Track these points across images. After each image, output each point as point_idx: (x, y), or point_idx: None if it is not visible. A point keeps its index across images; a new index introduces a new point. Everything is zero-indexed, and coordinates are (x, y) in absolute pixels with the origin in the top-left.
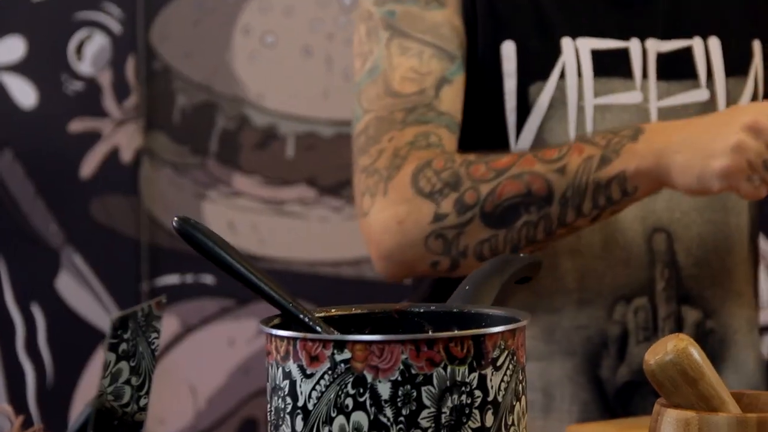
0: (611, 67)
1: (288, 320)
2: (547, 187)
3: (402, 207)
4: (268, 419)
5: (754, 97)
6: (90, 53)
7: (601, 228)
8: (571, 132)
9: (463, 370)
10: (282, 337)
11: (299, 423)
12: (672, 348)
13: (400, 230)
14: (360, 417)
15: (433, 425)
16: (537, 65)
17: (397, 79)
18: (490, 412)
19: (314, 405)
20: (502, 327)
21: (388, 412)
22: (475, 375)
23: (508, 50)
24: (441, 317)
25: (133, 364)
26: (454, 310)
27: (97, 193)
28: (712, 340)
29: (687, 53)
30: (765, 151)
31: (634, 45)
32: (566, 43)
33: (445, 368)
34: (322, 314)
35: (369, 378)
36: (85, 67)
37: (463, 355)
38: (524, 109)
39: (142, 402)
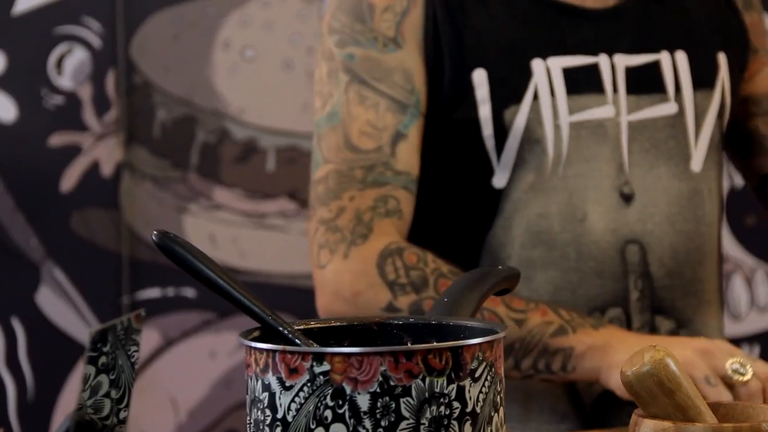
0: (583, 83)
1: (267, 333)
2: None
3: (361, 281)
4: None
5: (722, 109)
6: (70, 67)
7: (574, 240)
8: (550, 151)
9: (441, 381)
10: (261, 350)
11: None
12: (649, 359)
13: (352, 301)
14: (339, 429)
15: None
16: (509, 89)
17: (355, 133)
18: (468, 424)
19: (293, 417)
20: (480, 339)
21: (367, 423)
22: (453, 386)
23: (480, 78)
24: (420, 329)
25: (112, 377)
26: (433, 322)
27: (77, 206)
28: None
29: (655, 67)
30: (707, 370)
31: (603, 60)
32: (537, 64)
33: (423, 380)
34: (302, 327)
35: (348, 390)
36: (65, 81)
37: (442, 366)
38: (501, 133)
39: (122, 415)
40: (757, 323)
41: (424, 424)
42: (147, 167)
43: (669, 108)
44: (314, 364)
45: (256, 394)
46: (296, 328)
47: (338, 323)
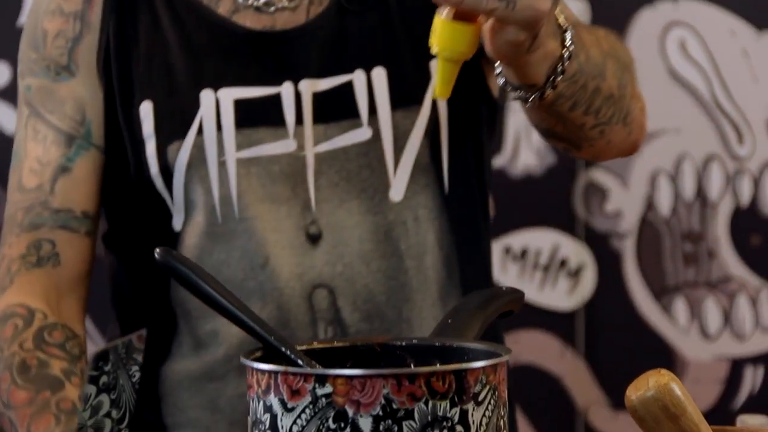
0: (258, 116)
1: (269, 353)
2: None
3: None
4: None
5: (433, 124)
6: None
7: (258, 287)
8: (215, 191)
9: (444, 404)
10: (263, 371)
11: None
12: (653, 383)
13: None
14: None
15: None
16: (174, 123)
17: (26, 171)
18: None
19: None
20: (483, 362)
21: None
22: (456, 410)
23: (146, 111)
24: (423, 351)
25: (113, 397)
26: (436, 344)
27: None
28: None
29: (347, 89)
30: None
31: (286, 89)
32: (206, 95)
33: (426, 403)
34: (304, 347)
35: (350, 412)
36: None
37: (445, 389)
38: (167, 171)
39: None
40: (762, 344)
41: None
42: None
43: (362, 134)
44: (316, 385)
45: (258, 416)
46: (299, 348)
47: (341, 344)
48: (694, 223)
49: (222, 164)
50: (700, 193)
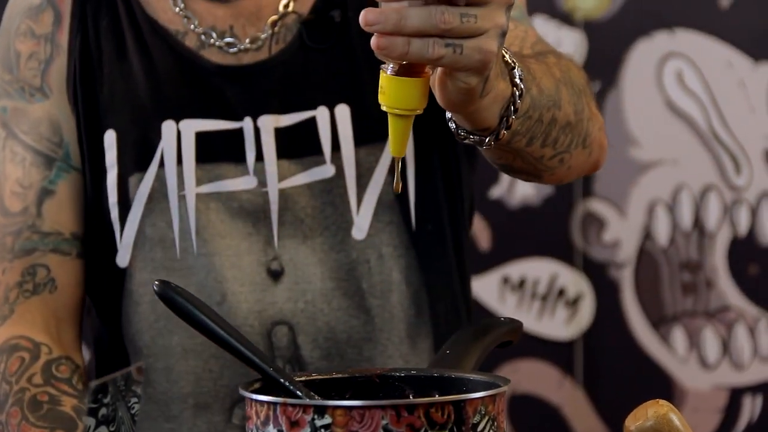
0: (220, 151)
1: (268, 385)
2: None
3: None
4: None
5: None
6: None
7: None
8: (175, 225)
9: None
10: (262, 402)
11: None
12: (653, 414)
13: None
14: None
15: None
16: (136, 154)
17: (7, 194)
18: None
19: None
20: (482, 393)
21: None
22: None
23: (110, 140)
24: (422, 382)
25: (112, 429)
26: (435, 374)
27: None
28: None
29: (310, 125)
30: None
31: (247, 124)
32: (168, 127)
33: None
34: (303, 378)
35: None
36: None
37: (444, 420)
38: (126, 203)
39: None
40: (760, 373)
41: None
42: None
43: (324, 171)
44: (315, 417)
45: None
46: (297, 380)
47: (340, 375)
48: (692, 253)
49: (182, 198)
50: (698, 223)
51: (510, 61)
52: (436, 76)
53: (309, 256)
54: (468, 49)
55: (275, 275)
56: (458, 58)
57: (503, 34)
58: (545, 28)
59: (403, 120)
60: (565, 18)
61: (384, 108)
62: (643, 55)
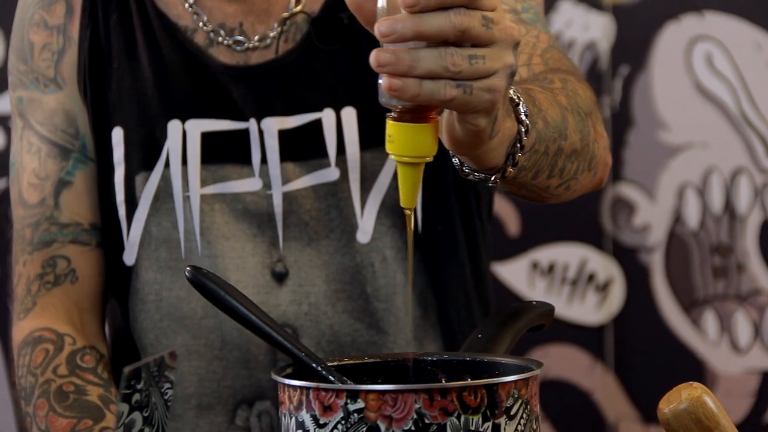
0: (225, 152)
1: (301, 370)
2: None
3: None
4: None
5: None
6: None
7: (218, 326)
8: (180, 226)
9: (477, 419)
10: (295, 387)
11: None
12: (686, 396)
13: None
14: None
15: None
16: (142, 153)
17: (25, 186)
18: None
19: None
20: (515, 376)
21: None
22: (489, 424)
23: (117, 137)
24: (454, 366)
25: (146, 415)
26: (468, 358)
27: None
28: None
29: (315, 128)
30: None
31: (252, 126)
32: (174, 126)
33: (458, 417)
34: (335, 363)
35: (382, 428)
36: None
37: (477, 404)
38: (132, 201)
39: None
40: None
41: None
42: None
43: (329, 174)
44: (348, 401)
45: None
46: (330, 364)
47: (372, 360)
48: (723, 237)
49: (186, 199)
50: (729, 206)
51: (514, 96)
52: (444, 119)
53: (313, 258)
54: (477, 89)
55: (279, 277)
56: (469, 99)
57: (512, 74)
58: (574, 12)
59: (413, 169)
60: (594, 2)
61: (393, 158)
62: (672, 39)
